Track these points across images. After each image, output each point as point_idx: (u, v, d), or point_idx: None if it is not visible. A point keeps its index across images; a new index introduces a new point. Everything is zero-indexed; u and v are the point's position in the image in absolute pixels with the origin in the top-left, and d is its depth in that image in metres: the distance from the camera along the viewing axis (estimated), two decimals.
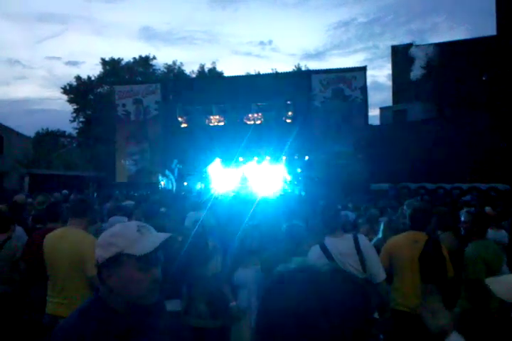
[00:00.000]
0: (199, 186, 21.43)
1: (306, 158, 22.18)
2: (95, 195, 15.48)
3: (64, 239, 3.35)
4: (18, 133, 30.11)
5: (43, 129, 40.44)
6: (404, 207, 5.93)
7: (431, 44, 25.39)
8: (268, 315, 0.74)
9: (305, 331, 0.68)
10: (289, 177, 22.07)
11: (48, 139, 37.14)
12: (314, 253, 3.04)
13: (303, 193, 19.41)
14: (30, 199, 8.39)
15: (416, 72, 24.79)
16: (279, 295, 0.74)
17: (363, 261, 2.98)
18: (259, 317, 0.76)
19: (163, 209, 6.29)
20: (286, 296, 0.73)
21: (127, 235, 1.42)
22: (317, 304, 0.70)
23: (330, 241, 3.08)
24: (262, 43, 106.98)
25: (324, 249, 2.98)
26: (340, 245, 3.06)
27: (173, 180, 21.95)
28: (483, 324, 3.19)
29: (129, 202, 9.43)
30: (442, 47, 24.41)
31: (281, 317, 0.71)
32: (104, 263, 1.39)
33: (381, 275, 3.11)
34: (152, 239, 1.44)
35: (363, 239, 3.17)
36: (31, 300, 4.17)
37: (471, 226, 3.76)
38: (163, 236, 1.46)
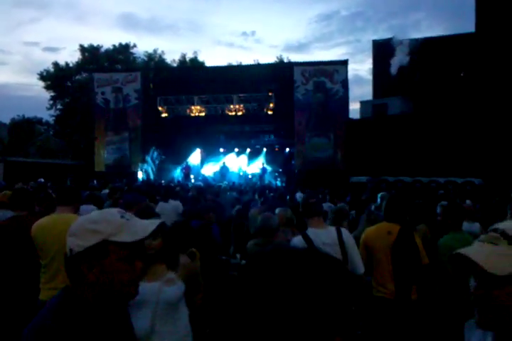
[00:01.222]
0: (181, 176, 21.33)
1: (287, 149, 22.31)
2: (70, 183, 15.25)
3: (56, 224, 3.30)
4: None
5: (18, 116, 39.48)
6: (378, 200, 6.05)
7: (411, 39, 25.64)
8: (243, 296, 0.72)
9: (281, 312, 0.67)
10: (269, 169, 22.18)
11: (24, 126, 36.30)
12: (296, 243, 3.08)
13: (283, 184, 19.55)
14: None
15: (396, 66, 25.05)
16: (254, 276, 0.73)
17: (345, 252, 3.05)
18: (236, 299, 0.74)
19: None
20: (261, 277, 0.71)
21: (112, 221, 1.29)
22: (293, 284, 0.69)
23: (312, 232, 3.13)
24: (244, 34, 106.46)
25: (307, 239, 3.02)
26: (323, 235, 3.11)
27: (154, 169, 21.82)
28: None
29: (105, 192, 9.36)
30: (422, 43, 24.71)
31: (256, 298, 0.70)
32: (83, 253, 1.25)
33: (361, 268, 3.20)
34: (141, 224, 1.33)
35: (345, 231, 3.24)
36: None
37: (444, 218, 3.87)
38: (153, 222, 1.35)
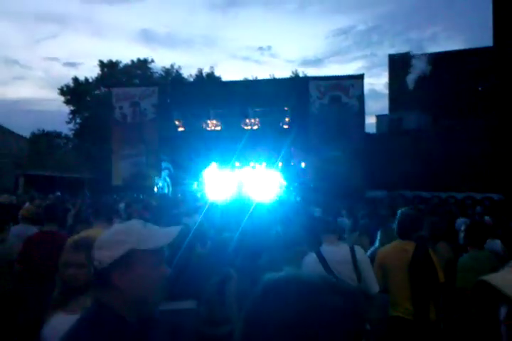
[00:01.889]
0: (196, 191, 21.38)
1: (303, 164, 22.23)
2: (88, 196, 15.43)
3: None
4: (13, 134, 30.01)
5: (39, 130, 40.31)
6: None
7: (428, 53, 25.63)
8: (252, 325, 0.71)
9: None
10: (284, 184, 22.09)
11: (44, 140, 37.00)
12: (309, 261, 3.04)
13: (298, 199, 19.43)
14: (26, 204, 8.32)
15: (412, 81, 24.99)
16: (264, 305, 0.71)
17: (358, 271, 2.99)
18: (244, 327, 0.73)
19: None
20: (271, 306, 0.70)
21: (136, 231, 1.38)
22: (303, 315, 0.68)
23: (326, 249, 3.09)
24: (260, 49, 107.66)
25: (320, 257, 2.98)
26: (337, 253, 3.07)
27: (170, 184, 21.92)
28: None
29: (122, 205, 9.43)
30: (439, 57, 24.65)
31: (266, 327, 0.69)
32: (113, 264, 1.31)
33: (375, 287, 3.13)
34: (163, 232, 1.42)
35: (359, 249, 3.19)
36: (27, 303, 4.15)
37: (468, 237, 3.79)
38: (174, 229, 1.45)
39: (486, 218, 8.72)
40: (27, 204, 8.14)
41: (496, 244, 5.58)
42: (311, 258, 3.05)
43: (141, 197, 15.56)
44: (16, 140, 29.65)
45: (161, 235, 1.40)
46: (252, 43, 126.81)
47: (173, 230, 1.44)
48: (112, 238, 1.36)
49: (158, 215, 6.75)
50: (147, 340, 1.39)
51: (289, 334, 0.67)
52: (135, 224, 1.43)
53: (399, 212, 3.87)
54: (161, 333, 1.49)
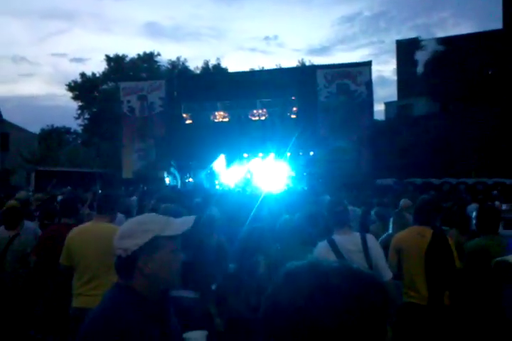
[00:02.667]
0: (206, 182, 21.45)
1: (311, 153, 22.17)
2: (99, 191, 15.54)
3: (94, 232, 3.43)
4: (23, 130, 30.27)
5: (48, 126, 40.65)
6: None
7: (436, 38, 25.25)
8: (275, 312, 0.72)
9: (313, 329, 0.67)
10: (293, 173, 22.07)
11: (54, 136, 37.29)
12: (322, 249, 3.05)
13: (306, 188, 19.42)
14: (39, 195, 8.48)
15: (421, 66, 24.68)
16: (286, 292, 0.72)
17: (369, 259, 3.00)
18: (266, 315, 0.74)
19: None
20: (293, 294, 0.71)
21: (158, 220, 1.53)
22: (326, 302, 0.69)
23: (338, 238, 3.10)
24: (267, 38, 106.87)
25: (333, 245, 2.99)
26: (348, 242, 3.07)
27: (178, 176, 22.00)
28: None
29: (133, 198, 9.51)
30: (447, 42, 24.28)
31: (289, 315, 0.70)
32: (138, 251, 1.44)
33: (388, 274, 3.13)
34: (181, 220, 1.57)
35: (370, 237, 3.19)
36: (44, 294, 4.23)
37: (480, 222, 3.77)
38: (191, 218, 1.59)
39: (497, 203, 8.66)
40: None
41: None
42: (323, 246, 3.06)
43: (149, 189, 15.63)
44: (26, 136, 29.92)
45: (181, 223, 1.55)
46: (258, 34, 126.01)
47: (190, 219, 1.58)
48: (137, 228, 1.48)
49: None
50: (165, 317, 1.52)
51: (309, 321, 0.68)
52: (155, 214, 1.61)
53: (420, 198, 3.88)
54: (174, 311, 1.62)
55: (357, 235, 3.15)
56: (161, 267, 1.46)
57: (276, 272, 0.81)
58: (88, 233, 3.45)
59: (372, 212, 6.47)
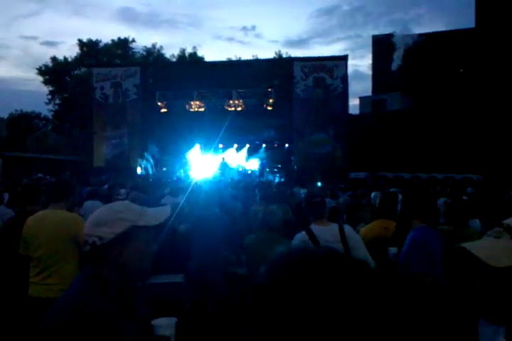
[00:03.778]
0: (179, 172, 21.32)
1: (286, 145, 22.30)
2: (73, 178, 15.25)
3: (48, 219, 3.34)
4: None
5: (17, 110, 39.37)
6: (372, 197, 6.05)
7: (411, 35, 25.62)
8: (262, 296, 0.73)
9: (309, 316, 0.68)
10: (267, 165, 22.17)
11: (23, 121, 36.19)
12: (300, 240, 3.08)
13: (282, 180, 19.55)
14: None
15: (396, 62, 25.04)
16: (274, 277, 0.73)
17: (347, 249, 3.05)
18: (254, 299, 0.75)
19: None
20: (281, 279, 0.72)
21: (135, 209, 1.50)
22: (312, 286, 0.70)
23: (315, 228, 3.13)
24: (244, 28, 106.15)
25: (311, 235, 3.02)
26: (326, 232, 3.11)
27: (153, 165, 21.78)
28: None
29: (104, 187, 9.36)
30: (422, 39, 24.68)
31: (275, 299, 0.70)
32: (115, 239, 1.42)
33: (370, 263, 3.18)
34: (158, 211, 1.55)
35: (348, 228, 3.24)
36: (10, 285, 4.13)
37: (449, 216, 3.87)
38: (166, 208, 1.58)
39: (464, 198, 8.91)
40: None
41: (475, 223, 5.73)
42: (301, 237, 3.09)
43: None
44: None
45: (157, 213, 1.53)
46: (235, 23, 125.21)
47: (166, 209, 1.58)
48: (114, 215, 1.45)
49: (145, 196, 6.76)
50: (134, 305, 1.52)
51: (299, 306, 0.69)
52: (130, 203, 1.56)
53: (383, 192, 3.94)
54: (141, 299, 1.63)
55: (334, 226, 3.19)
56: (134, 257, 1.45)
57: (256, 262, 0.80)
58: (42, 221, 3.36)
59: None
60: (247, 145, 23.12)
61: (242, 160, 22.93)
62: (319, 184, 12.47)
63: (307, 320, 0.69)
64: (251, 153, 23.09)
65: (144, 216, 1.48)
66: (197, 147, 23.26)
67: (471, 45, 22.43)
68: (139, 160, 21.82)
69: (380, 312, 0.73)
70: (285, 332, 0.69)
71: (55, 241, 3.21)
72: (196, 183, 9.92)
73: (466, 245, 1.12)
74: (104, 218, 1.46)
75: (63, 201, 3.50)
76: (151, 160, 21.82)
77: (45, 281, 3.20)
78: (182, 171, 21.43)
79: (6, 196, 6.03)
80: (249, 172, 21.81)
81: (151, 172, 21.52)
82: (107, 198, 6.21)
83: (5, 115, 36.69)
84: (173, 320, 1.87)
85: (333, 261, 0.75)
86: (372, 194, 6.57)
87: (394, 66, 25.02)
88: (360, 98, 29.30)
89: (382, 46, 27.41)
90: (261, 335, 0.72)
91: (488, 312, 1.10)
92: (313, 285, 0.70)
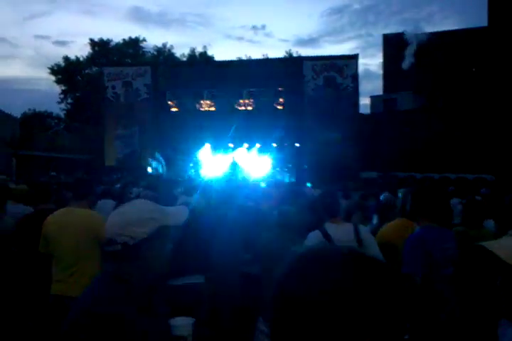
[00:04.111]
0: (191, 171, 21.36)
1: (297, 145, 22.23)
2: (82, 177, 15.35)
3: (70, 218, 3.36)
4: (4, 113, 29.58)
5: (29, 110, 39.78)
6: (399, 195, 6.00)
7: (422, 34, 25.40)
8: (284, 299, 0.71)
9: (327, 316, 0.67)
10: (278, 164, 22.13)
11: (35, 120, 36.55)
12: (314, 238, 3.07)
13: (293, 180, 19.52)
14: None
15: (407, 61, 24.84)
16: (298, 278, 0.72)
17: (362, 249, 3.04)
18: (275, 302, 0.73)
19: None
20: (305, 279, 0.71)
21: (161, 209, 1.54)
22: (335, 288, 0.68)
23: (330, 228, 3.12)
24: (254, 28, 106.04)
25: (325, 234, 3.02)
26: (341, 232, 3.09)
27: (164, 164, 21.85)
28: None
29: (118, 186, 9.44)
30: (434, 37, 24.46)
31: (298, 301, 0.69)
32: (146, 239, 1.44)
33: None
34: (177, 210, 1.60)
35: (363, 228, 3.22)
36: (26, 284, 4.16)
37: (466, 216, 3.83)
38: (183, 208, 1.63)
39: (478, 198, 8.83)
40: None
41: (490, 223, 5.68)
42: (316, 235, 3.08)
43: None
44: (6, 120, 29.24)
45: (177, 213, 1.57)
46: (245, 22, 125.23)
47: (185, 209, 1.61)
48: (144, 215, 1.47)
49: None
50: (151, 305, 1.52)
51: (320, 307, 0.68)
52: (153, 202, 1.59)
53: (405, 191, 3.90)
54: (160, 298, 1.65)
55: (349, 226, 3.18)
56: (159, 256, 1.48)
57: (270, 262, 0.80)
58: (64, 219, 3.39)
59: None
60: (257, 145, 23.10)
61: (253, 160, 22.82)
62: (331, 184, 12.44)
63: (344, 322, 0.67)
64: (261, 152, 23.04)
65: (171, 215, 1.52)
66: (207, 146, 23.29)
67: (483, 43, 22.19)
68: (150, 159, 21.92)
69: (403, 312, 0.72)
70: (320, 334, 0.68)
71: (78, 239, 3.22)
72: (207, 182, 9.95)
73: (485, 244, 1.11)
74: (134, 218, 1.47)
75: (85, 199, 3.55)
76: (162, 160, 21.90)
77: (68, 279, 3.21)
78: (193, 170, 21.47)
79: None
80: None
81: (161, 171, 21.61)
82: (120, 197, 6.26)
83: (18, 114, 37.13)
84: (191, 320, 1.89)
85: (366, 263, 0.74)
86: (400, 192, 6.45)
87: (405, 64, 24.84)
88: (371, 97, 29.14)
89: (393, 45, 27.23)
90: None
91: (509, 311, 1.09)
92: (352, 288, 0.69)
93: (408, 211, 3.77)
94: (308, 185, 12.07)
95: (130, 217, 1.48)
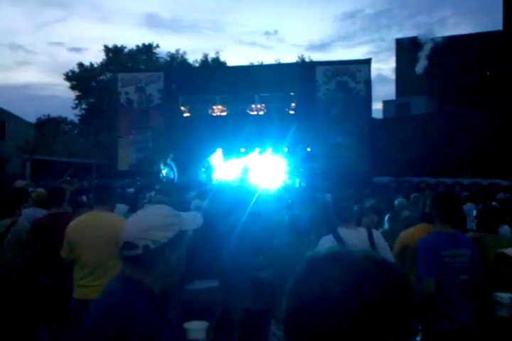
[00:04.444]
0: (202, 176, 21.41)
1: (308, 149, 22.17)
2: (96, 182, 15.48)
3: (94, 222, 3.36)
4: (19, 119, 30.05)
5: (44, 115, 40.39)
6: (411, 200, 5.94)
7: (436, 38, 25.24)
8: (300, 301, 0.72)
9: (338, 318, 0.67)
10: (290, 169, 22.07)
11: (50, 125, 37.06)
12: (327, 243, 3.04)
13: (303, 184, 19.44)
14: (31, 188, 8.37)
15: (420, 65, 24.70)
16: (312, 281, 0.72)
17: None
18: (291, 304, 0.74)
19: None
20: (319, 282, 0.71)
21: (178, 214, 1.55)
22: (352, 290, 0.69)
23: (343, 232, 3.09)
24: (267, 33, 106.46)
25: (338, 239, 2.99)
26: (354, 237, 3.06)
27: (175, 169, 21.96)
28: None
29: (130, 190, 9.50)
30: (447, 41, 24.30)
31: (315, 304, 0.69)
32: (166, 244, 1.45)
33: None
34: (191, 216, 1.62)
35: (376, 233, 3.19)
36: (39, 286, 4.19)
37: (481, 221, 3.77)
38: (197, 214, 1.66)
39: (493, 203, 8.71)
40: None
41: (505, 229, 5.59)
42: (329, 240, 3.06)
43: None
44: (21, 125, 29.70)
45: (193, 218, 1.59)
46: (258, 28, 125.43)
47: (199, 215, 1.64)
48: (165, 220, 1.49)
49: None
50: (166, 309, 1.54)
51: (334, 309, 0.68)
52: (170, 207, 1.61)
53: (414, 195, 3.85)
54: (173, 303, 1.66)
55: (363, 230, 3.15)
56: (177, 261, 1.49)
57: (282, 267, 0.80)
58: (88, 223, 3.39)
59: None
60: (269, 150, 23.09)
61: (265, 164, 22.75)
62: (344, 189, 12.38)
63: (363, 325, 0.67)
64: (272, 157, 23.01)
65: (188, 221, 1.54)
66: (219, 151, 23.35)
67: (498, 47, 21.97)
68: (162, 164, 22.06)
69: (417, 314, 0.73)
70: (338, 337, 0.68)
71: (103, 243, 3.20)
72: (219, 187, 9.96)
73: (506, 251, 1.11)
74: (155, 222, 1.48)
75: (108, 203, 3.53)
76: (173, 165, 22.01)
77: (93, 283, 3.19)
78: (204, 175, 21.53)
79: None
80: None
81: (173, 176, 21.71)
82: (133, 202, 6.29)
83: (33, 120, 37.71)
84: (205, 324, 1.90)
85: (385, 266, 0.74)
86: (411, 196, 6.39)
87: (419, 69, 24.70)
88: (384, 102, 28.99)
89: (406, 49, 27.09)
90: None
91: None
92: (372, 290, 0.69)
93: (427, 215, 3.73)
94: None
95: (153, 220, 1.49)
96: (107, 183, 3.95)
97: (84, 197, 7.40)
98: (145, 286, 1.45)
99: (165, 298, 1.59)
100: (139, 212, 1.60)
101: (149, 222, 1.48)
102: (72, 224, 3.47)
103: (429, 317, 2.89)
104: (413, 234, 3.68)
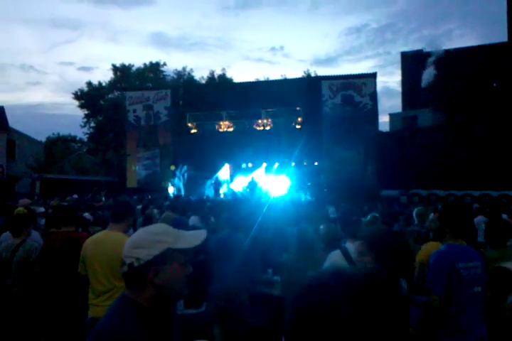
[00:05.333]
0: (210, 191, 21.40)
1: (315, 164, 22.16)
2: (104, 199, 15.56)
3: (105, 243, 3.35)
4: (30, 138, 30.44)
5: (54, 134, 40.90)
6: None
7: (441, 51, 25.35)
8: (301, 319, 0.73)
9: (339, 337, 0.68)
10: (297, 184, 22.03)
11: (59, 144, 37.48)
12: (335, 257, 3.02)
13: (309, 198, 19.35)
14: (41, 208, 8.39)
15: (426, 78, 24.75)
16: (312, 300, 0.72)
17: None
18: (292, 323, 0.74)
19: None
20: (320, 301, 0.71)
21: (171, 232, 1.52)
22: (352, 310, 0.69)
23: (351, 247, 3.06)
24: (273, 49, 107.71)
25: (345, 253, 2.96)
26: None
27: (181, 184, 22.01)
28: None
29: (139, 207, 9.51)
30: (452, 54, 24.38)
31: (316, 322, 0.70)
32: (151, 261, 1.42)
33: (403, 285, 3.09)
34: (192, 234, 1.57)
35: None
36: (46, 304, 4.18)
37: (489, 235, 3.72)
38: (201, 231, 1.59)
39: (504, 216, 8.60)
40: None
41: None
42: (336, 254, 3.03)
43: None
44: (31, 144, 30.09)
45: (193, 237, 1.54)
46: (264, 44, 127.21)
47: (201, 233, 1.57)
48: (151, 238, 1.47)
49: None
50: (170, 331, 1.51)
51: (337, 328, 0.68)
52: (166, 225, 1.59)
53: (417, 210, 3.82)
54: (178, 325, 1.61)
55: None
56: (170, 279, 1.45)
57: (291, 283, 0.81)
58: (100, 243, 3.37)
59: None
60: (276, 164, 23.11)
61: (272, 179, 22.76)
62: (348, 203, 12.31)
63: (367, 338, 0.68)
64: (280, 171, 23.02)
65: (180, 239, 1.49)
66: (226, 166, 23.42)
67: (504, 59, 21.99)
68: (171, 180, 22.15)
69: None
70: None
71: (112, 263, 3.16)
72: (222, 203, 9.95)
73: (507, 265, 1.10)
74: (141, 240, 1.48)
75: (123, 222, 3.48)
76: (183, 181, 22.08)
77: (106, 303, 3.15)
78: (213, 191, 21.51)
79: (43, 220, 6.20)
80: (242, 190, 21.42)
81: (182, 192, 21.75)
82: (136, 219, 6.29)
83: (43, 138, 38.18)
84: None
85: (386, 285, 0.75)
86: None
87: (424, 80, 24.75)
88: (390, 115, 28.99)
89: (411, 62, 27.22)
90: None
91: None
92: (376, 307, 0.70)
93: (435, 232, 3.69)
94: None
95: (137, 239, 1.50)
96: (125, 202, 3.91)
97: (86, 215, 7.41)
98: (138, 304, 1.43)
99: (168, 317, 1.52)
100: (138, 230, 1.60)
101: (135, 240, 1.49)
102: (86, 242, 3.47)
103: (445, 331, 2.85)
104: (426, 251, 3.61)
